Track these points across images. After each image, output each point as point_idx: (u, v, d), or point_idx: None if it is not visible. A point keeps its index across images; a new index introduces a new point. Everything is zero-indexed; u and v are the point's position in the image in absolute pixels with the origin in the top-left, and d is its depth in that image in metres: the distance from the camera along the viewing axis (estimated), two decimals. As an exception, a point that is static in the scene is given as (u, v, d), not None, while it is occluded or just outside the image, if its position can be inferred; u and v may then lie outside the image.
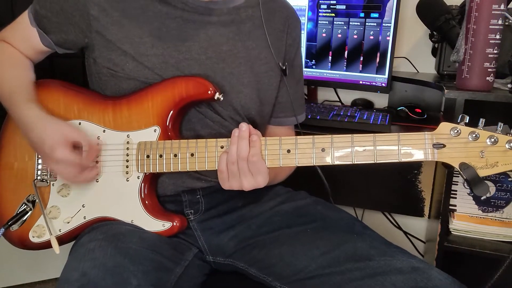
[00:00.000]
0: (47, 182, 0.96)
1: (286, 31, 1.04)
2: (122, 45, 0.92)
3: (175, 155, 0.89)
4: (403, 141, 0.81)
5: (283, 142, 0.85)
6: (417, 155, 0.81)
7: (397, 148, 0.81)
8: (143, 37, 0.92)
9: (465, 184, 1.33)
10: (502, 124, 0.78)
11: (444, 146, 0.79)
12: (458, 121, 0.80)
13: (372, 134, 0.82)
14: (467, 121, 0.79)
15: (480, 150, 0.78)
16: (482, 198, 1.33)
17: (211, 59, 0.95)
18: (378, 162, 0.82)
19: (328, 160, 0.83)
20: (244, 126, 0.84)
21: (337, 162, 0.83)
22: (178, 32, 0.93)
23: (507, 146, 0.77)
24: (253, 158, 0.83)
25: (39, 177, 0.97)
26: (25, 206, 0.96)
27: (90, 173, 0.91)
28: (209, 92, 0.90)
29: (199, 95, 0.91)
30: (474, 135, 0.78)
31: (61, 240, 0.95)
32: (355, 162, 0.83)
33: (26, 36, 0.99)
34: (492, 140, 0.77)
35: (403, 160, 0.81)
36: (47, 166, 0.95)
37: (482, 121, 0.79)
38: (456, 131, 0.79)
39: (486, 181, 1.30)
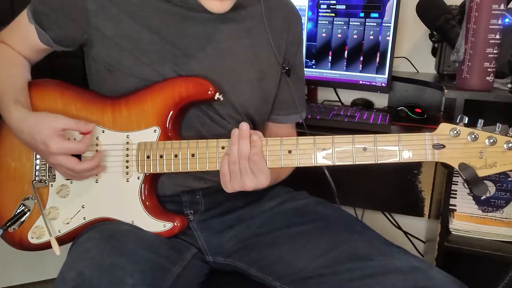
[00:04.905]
0: (46, 182, 0.95)
1: (287, 29, 1.03)
2: (121, 40, 0.92)
3: (176, 156, 0.89)
4: (403, 142, 0.81)
5: (284, 143, 0.85)
6: (418, 156, 0.81)
7: (398, 149, 0.81)
8: (142, 33, 0.92)
9: (465, 185, 1.33)
10: (500, 125, 0.78)
11: (444, 146, 0.80)
12: (457, 121, 0.80)
13: (373, 135, 0.82)
14: (466, 122, 0.80)
15: (479, 151, 0.79)
16: (482, 198, 1.33)
17: (209, 56, 0.94)
18: (378, 162, 0.82)
19: (329, 161, 0.83)
20: (245, 126, 0.84)
21: (338, 163, 0.83)
22: (176, 28, 0.93)
23: (505, 146, 0.77)
24: (254, 157, 0.83)
25: (37, 178, 0.96)
26: (23, 207, 0.96)
27: (92, 163, 0.88)
28: (209, 92, 0.90)
29: (199, 95, 0.91)
30: (473, 136, 0.78)
31: (61, 241, 0.95)
32: (356, 163, 0.83)
33: (24, 34, 0.99)
34: (491, 140, 0.78)
35: (404, 161, 0.81)
36: (49, 164, 0.93)
37: (481, 121, 0.79)
38: (455, 131, 0.79)
39: (486, 181, 1.31)
